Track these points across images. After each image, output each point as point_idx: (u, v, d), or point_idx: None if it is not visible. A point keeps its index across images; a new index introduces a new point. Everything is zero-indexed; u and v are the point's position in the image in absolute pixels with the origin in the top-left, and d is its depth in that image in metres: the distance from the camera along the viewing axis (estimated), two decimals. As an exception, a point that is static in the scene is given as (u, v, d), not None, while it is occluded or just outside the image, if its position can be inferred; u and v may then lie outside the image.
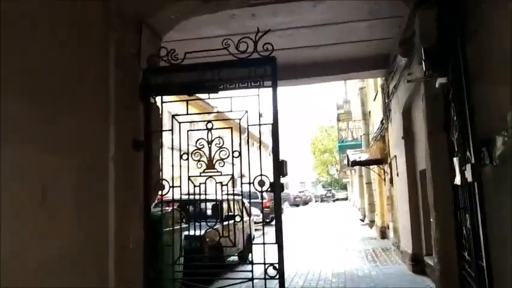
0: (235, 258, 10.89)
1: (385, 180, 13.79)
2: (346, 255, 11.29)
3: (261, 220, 20.88)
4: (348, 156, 13.06)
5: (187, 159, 5.11)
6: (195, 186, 5.22)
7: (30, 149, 3.08)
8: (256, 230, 20.27)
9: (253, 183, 5.13)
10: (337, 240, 14.81)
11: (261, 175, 4.98)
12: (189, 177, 5.26)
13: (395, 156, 9.99)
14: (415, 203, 8.35)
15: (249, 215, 11.99)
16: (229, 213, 9.47)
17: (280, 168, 5.12)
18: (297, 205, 45.43)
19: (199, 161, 5.25)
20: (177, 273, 5.90)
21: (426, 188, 7.48)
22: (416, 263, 8.19)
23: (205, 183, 5.13)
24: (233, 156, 5.23)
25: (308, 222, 24.31)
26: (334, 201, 57.45)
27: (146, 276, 4.65)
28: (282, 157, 5.09)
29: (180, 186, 5.02)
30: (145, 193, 4.81)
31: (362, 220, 21.79)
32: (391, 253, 11.07)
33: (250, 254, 11.64)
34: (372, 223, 15.63)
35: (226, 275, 7.42)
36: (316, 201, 59.23)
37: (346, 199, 59.40)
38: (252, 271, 5.32)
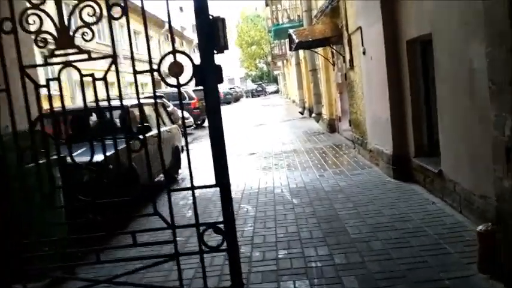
0: (160, 177, 8.44)
1: (334, 64, 11.49)
2: (298, 159, 9.20)
3: (189, 124, 18.39)
4: (291, 37, 10.43)
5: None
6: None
7: None
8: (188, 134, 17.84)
9: (158, 70, 2.51)
10: (281, 140, 12.72)
11: (174, 52, 2.38)
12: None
13: (359, 28, 7.50)
14: (398, 87, 6.10)
15: (174, 121, 9.29)
16: (144, 124, 6.73)
17: (213, 34, 2.51)
18: (228, 102, 43.44)
19: (38, 33, 2.50)
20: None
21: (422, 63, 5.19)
22: (400, 167, 6.17)
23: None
24: (110, 23, 2.53)
25: (243, 120, 22.15)
26: (265, 95, 55.82)
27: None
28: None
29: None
30: None
31: (301, 113, 19.96)
32: (351, 152, 9.12)
33: (178, 172, 9.31)
34: (318, 116, 13.64)
35: (139, 223, 5.00)
36: (247, 96, 57.48)
37: (277, 92, 58.17)
38: (175, 242, 3.01)
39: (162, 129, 7.69)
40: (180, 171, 9.04)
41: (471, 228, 4.03)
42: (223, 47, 2.42)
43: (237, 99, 48.81)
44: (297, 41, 9.85)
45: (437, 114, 4.86)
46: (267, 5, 26.73)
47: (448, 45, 4.37)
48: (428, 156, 5.60)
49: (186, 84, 2.52)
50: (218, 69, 2.43)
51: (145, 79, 28.17)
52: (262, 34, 55.95)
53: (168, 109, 15.29)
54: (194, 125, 19.90)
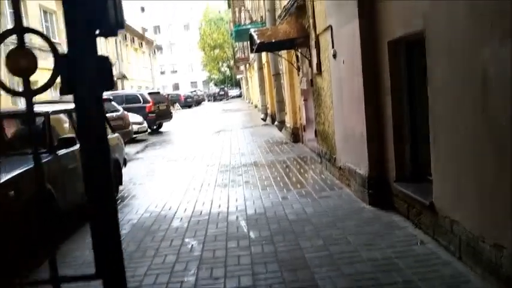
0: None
1: (299, 69, 10.53)
2: (258, 174, 8.12)
3: (143, 129, 17.00)
4: (252, 37, 9.38)
5: None
6: None
7: None
8: (137, 140, 16.46)
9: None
10: (240, 150, 11.63)
11: (20, 31, 1.11)
12: None
13: (329, 27, 6.51)
14: (376, 97, 5.13)
15: (125, 126, 7.99)
16: (67, 136, 5.48)
17: None
18: (189, 106, 42.15)
19: None
20: None
21: (407, 68, 4.24)
22: (377, 192, 5.20)
23: None
24: None
25: (202, 126, 20.93)
26: (227, 99, 54.68)
27: None
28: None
29: None
30: None
31: (264, 120, 18.96)
32: (317, 167, 8.12)
33: (117, 191, 7.95)
34: (281, 124, 12.63)
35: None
36: (209, 100, 56.22)
37: (239, 96, 57.19)
38: None
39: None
40: (121, 187, 7.77)
41: (478, 285, 3.07)
42: (114, 26, 1.28)
43: (198, 102, 47.55)
44: (258, 41, 8.80)
45: (430, 133, 3.89)
46: (229, 6, 25.64)
47: (448, 46, 3.40)
48: (413, 181, 4.64)
49: (40, 92, 1.35)
50: (102, 63, 1.28)
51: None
52: (225, 37, 54.89)
53: (117, 113, 13.98)
54: (149, 130, 18.51)
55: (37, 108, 5.86)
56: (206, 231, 5.05)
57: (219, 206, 6.13)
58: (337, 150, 6.82)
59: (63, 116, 6.10)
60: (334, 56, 6.41)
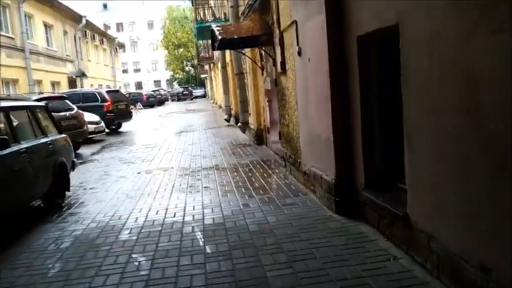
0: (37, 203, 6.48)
1: (262, 68, 10.11)
2: (218, 179, 7.62)
3: (100, 129, 16.14)
4: (213, 33, 8.86)
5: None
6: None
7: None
8: (94, 141, 15.58)
9: None
10: (202, 152, 11.09)
11: None
12: None
13: (294, 22, 6.10)
14: (344, 97, 4.74)
15: (60, 130, 7.30)
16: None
17: None
18: (152, 105, 41.05)
19: None
20: None
21: (378, 65, 3.88)
22: (345, 200, 4.81)
23: None
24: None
25: (164, 126, 20.21)
26: (191, 99, 53.75)
27: None
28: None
29: None
30: None
31: (227, 120, 18.45)
32: (281, 171, 7.70)
33: (63, 196, 7.20)
34: (245, 125, 12.17)
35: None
36: (172, 100, 55.12)
37: (204, 96, 56.42)
38: None
39: (36, 142, 5.79)
40: (68, 193, 7.09)
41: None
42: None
43: (161, 102, 46.40)
44: (219, 37, 8.31)
45: (404, 136, 3.51)
46: (192, 3, 24.94)
47: (427, 39, 3.02)
48: (384, 189, 4.27)
49: None
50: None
51: (57, 77, 25.26)
52: (189, 36, 53.98)
53: (71, 112, 13.12)
54: (108, 130, 17.64)
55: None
56: (157, 245, 4.51)
57: (174, 214, 5.60)
58: (302, 153, 6.42)
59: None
60: (299, 53, 6.00)
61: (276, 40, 7.48)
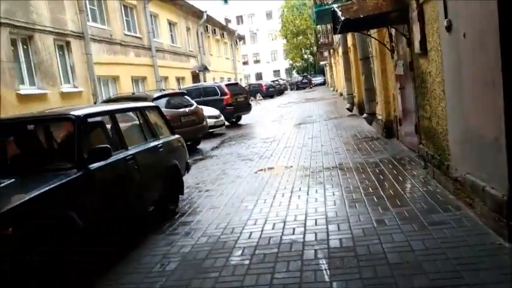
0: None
1: (393, 50, 8.75)
2: (344, 183, 6.59)
3: (220, 123, 16.04)
4: (335, 14, 7.79)
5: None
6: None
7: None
8: (214, 135, 15.52)
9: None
10: (323, 147, 10.10)
11: None
12: None
13: (441, -11, 4.76)
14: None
15: (173, 129, 6.91)
16: (99, 146, 4.38)
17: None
18: (271, 96, 40.99)
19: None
20: None
21: None
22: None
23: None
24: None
25: (283, 117, 19.60)
26: (311, 87, 52.74)
27: None
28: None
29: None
30: None
31: (350, 110, 17.14)
32: (420, 173, 6.38)
33: (176, 201, 5.96)
34: (371, 116, 10.87)
35: None
36: (291, 89, 54.75)
37: (323, 84, 55.05)
38: None
39: (145, 146, 5.37)
40: (182, 197, 6.68)
41: None
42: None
43: (280, 92, 46.13)
44: (342, 18, 7.21)
45: None
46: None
47: None
48: None
49: None
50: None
51: (182, 73, 26.26)
52: (308, 23, 52.85)
53: (190, 108, 13.03)
54: (228, 124, 17.58)
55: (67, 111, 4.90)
56: (272, 275, 3.69)
57: (293, 231, 4.74)
58: (451, 155, 5.09)
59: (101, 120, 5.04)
60: (449, 28, 4.67)
61: (414, 14, 6.15)
